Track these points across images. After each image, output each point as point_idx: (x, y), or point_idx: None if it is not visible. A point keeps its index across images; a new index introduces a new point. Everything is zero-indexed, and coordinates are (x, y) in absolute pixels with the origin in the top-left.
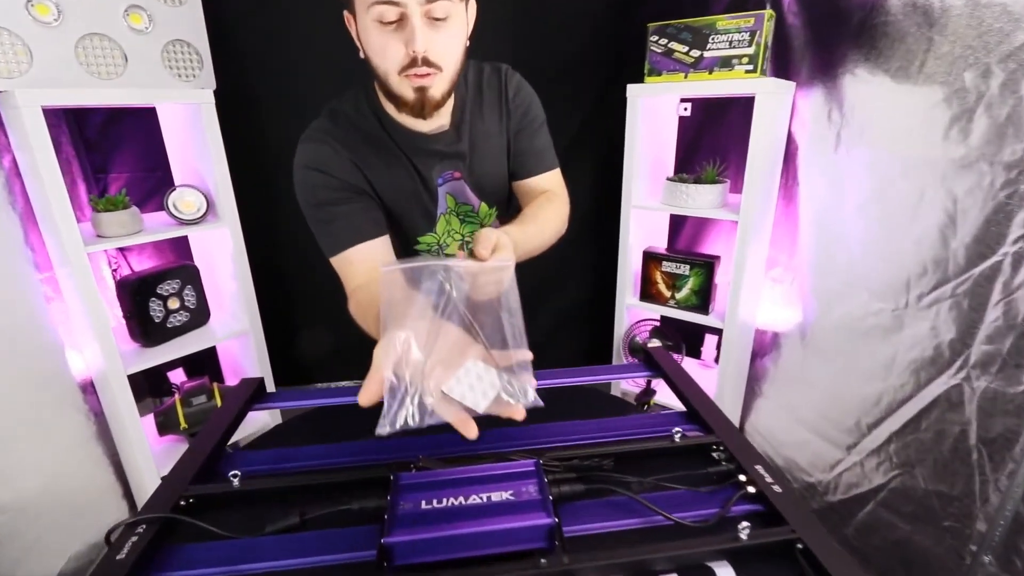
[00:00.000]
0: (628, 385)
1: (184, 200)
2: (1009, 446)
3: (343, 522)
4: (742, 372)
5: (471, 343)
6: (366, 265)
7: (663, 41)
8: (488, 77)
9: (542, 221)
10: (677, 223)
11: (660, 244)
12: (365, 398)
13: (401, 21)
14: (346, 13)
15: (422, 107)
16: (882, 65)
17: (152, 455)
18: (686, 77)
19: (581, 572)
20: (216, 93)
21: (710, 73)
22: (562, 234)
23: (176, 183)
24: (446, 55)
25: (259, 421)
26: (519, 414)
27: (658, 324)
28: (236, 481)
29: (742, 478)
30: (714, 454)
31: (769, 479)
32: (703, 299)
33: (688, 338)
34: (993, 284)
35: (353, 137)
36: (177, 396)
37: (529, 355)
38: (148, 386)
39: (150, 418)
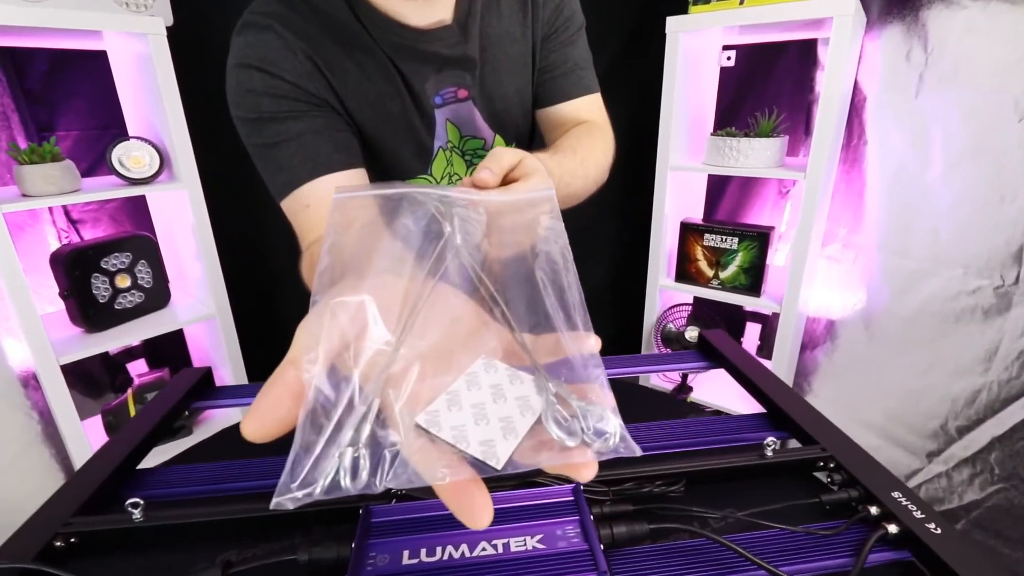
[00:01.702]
0: (658, 380)
1: (133, 155)
2: None
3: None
4: (791, 367)
5: (485, 323)
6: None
7: None
8: None
9: (583, 154)
10: (714, 193)
11: (697, 215)
12: (253, 423)
13: None
14: None
15: None
16: None
17: None
18: (741, 3)
19: None
20: (175, 33)
21: None
22: (603, 183)
23: (132, 135)
24: None
25: (216, 423)
26: (587, 470)
27: (692, 311)
28: (137, 513)
29: (874, 510)
30: (819, 475)
31: (918, 512)
32: (754, 279)
33: (726, 328)
34: None
35: (309, 21)
36: (130, 391)
37: (597, 342)
38: (109, 380)
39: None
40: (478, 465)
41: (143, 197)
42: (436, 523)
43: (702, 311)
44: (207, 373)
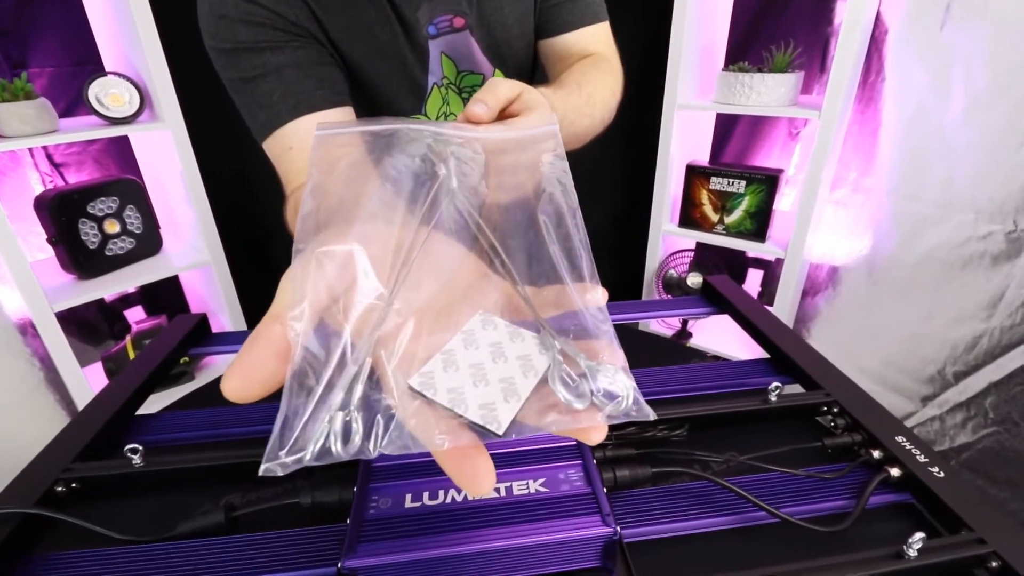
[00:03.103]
0: (658, 326)
1: (111, 92)
2: None
3: (290, 521)
4: (792, 313)
5: (484, 274)
6: (303, 139)
7: None
8: None
9: (589, 89)
10: (721, 134)
11: (703, 158)
12: (235, 383)
13: None
14: None
15: None
16: None
17: None
18: None
19: None
20: None
21: None
22: (609, 122)
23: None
24: None
25: (216, 369)
26: (596, 433)
27: (694, 258)
28: (137, 458)
29: (876, 454)
30: (821, 419)
31: (921, 456)
32: (759, 224)
33: (729, 272)
34: None
35: None
36: (128, 338)
37: (604, 293)
38: (107, 327)
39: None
40: (478, 430)
41: (127, 138)
42: (437, 468)
43: (704, 257)
44: (203, 320)
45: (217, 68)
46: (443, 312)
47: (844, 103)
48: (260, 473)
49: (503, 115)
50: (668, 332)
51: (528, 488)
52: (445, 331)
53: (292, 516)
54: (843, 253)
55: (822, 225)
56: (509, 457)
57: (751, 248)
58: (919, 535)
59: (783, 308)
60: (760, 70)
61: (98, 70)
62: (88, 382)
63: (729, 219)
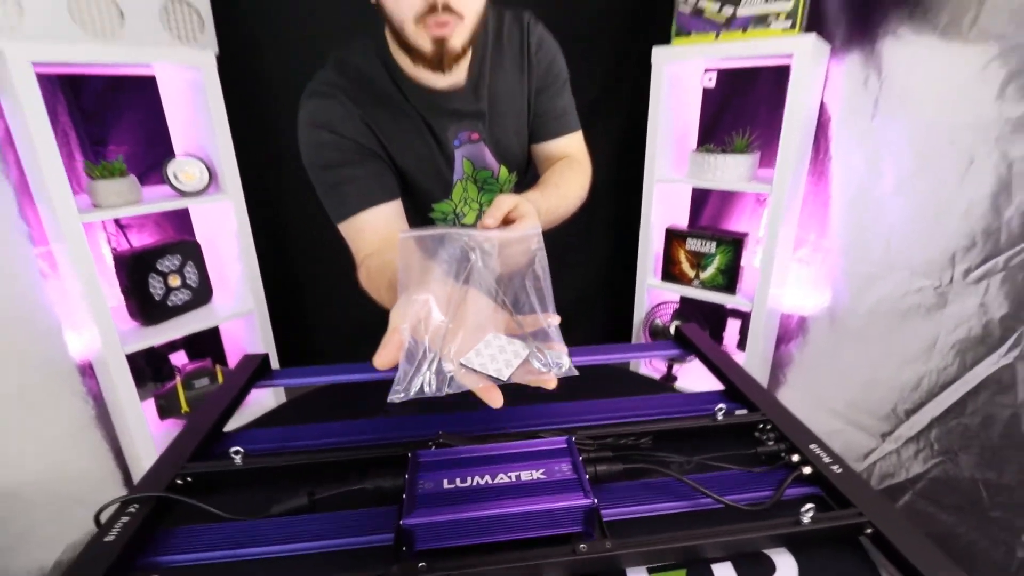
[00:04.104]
0: (647, 370)
1: (185, 170)
2: None
3: (357, 503)
4: (767, 359)
5: (496, 310)
6: (377, 231)
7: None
8: (509, 26)
9: (564, 187)
10: (699, 200)
11: (682, 221)
12: (380, 360)
13: None
14: None
15: (440, 60)
16: (929, 22)
17: (153, 440)
18: (717, 37)
19: (625, 559)
20: (218, 58)
21: (744, 32)
22: (583, 202)
23: (178, 154)
24: (467, 2)
25: (259, 404)
26: (550, 383)
27: (678, 308)
28: (238, 459)
29: (795, 458)
30: (760, 435)
31: (827, 458)
32: (730, 279)
33: (710, 323)
34: None
35: (363, 91)
36: (178, 378)
37: (557, 318)
38: (150, 370)
39: (152, 402)
40: (493, 379)
41: None
42: (466, 462)
43: (687, 308)
44: (265, 358)
45: (311, 176)
46: (475, 330)
47: (793, 179)
48: (388, 400)
49: (507, 220)
50: (657, 375)
51: (532, 475)
52: (476, 339)
53: (360, 500)
54: (809, 305)
55: (789, 280)
56: (518, 456)
57: (723, 300)
58: (809, 505)
59: (755, 353)
60: (724, 151)
61: (167, 149)
62: (145, 415)
63: (704, 275)
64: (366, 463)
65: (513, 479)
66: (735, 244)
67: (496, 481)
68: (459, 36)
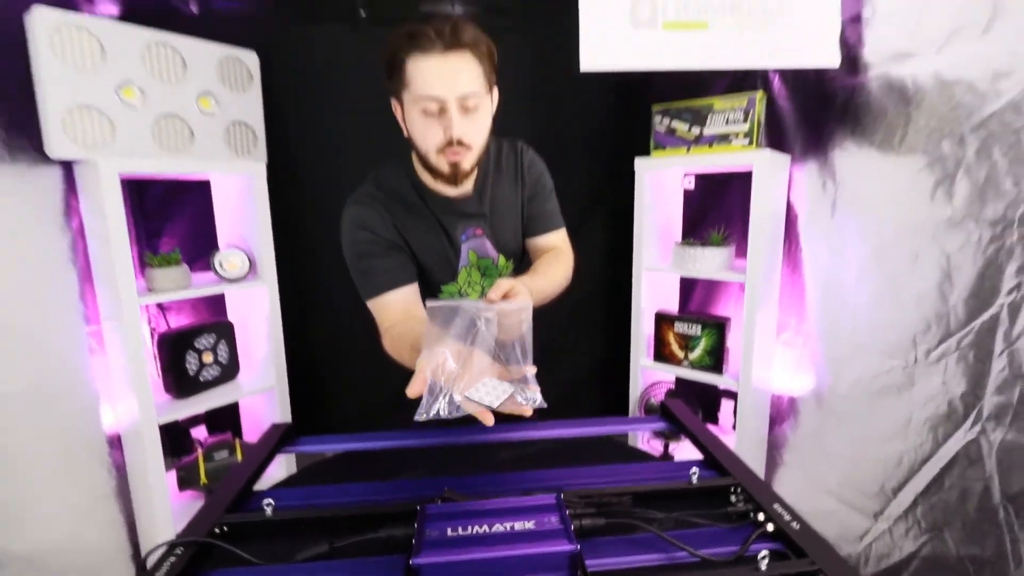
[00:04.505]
0: (646, 448)
1: (230, 260)
2: None
3: (372, 551)
4: (761, 439)
5: (492, 364)
6: (399, 307)
7: (666, 120)
8: (506, 152)
9: (551, 273)
10: (688, 287)
11: (672, 306)
12: (412, 390)
13: (442, 112)
14: (393, 100)
15: (455, 177)
16: (867, 139)
17: (172, 511)
18: (688, 151)
19: None
20: (266, 166)
21: (710, 147)
22: (568, 282)
23: (220, 246)
24: (475, 136)
25: (275, 473)
26: (527, 412)
27: (672, 388)
28: (269, 511)
29: (760, 517)
30: (732, 497)
31: (787, 517)
32: (716, 359)
33: (705, 403)
34: (994, 335)
35: (393, 201)
36: (200, 451)
37: (534, 369)
38: (169, 444)
39: (171, 474)
40: (487, 407)
41: None
42: (468, 514)
43: (682, 389)
44: (290, 427)
45: (349, 264)
46: (477, 374)
47: (765, 269)
48: (415, 419)
49: (505, 296)
50: (656, 452)
51: (524, 526)
52: (477, 380)
53: (373, 547)
54: (797, 386)
55: (776, 362)
56: (513, 510)
57: (711, 380)
58: (764, 552)
59: (745, 431)
60: (703, 244)
61: (211, 241)
62: (167, 484)
63: (692, 356)
64: (380, 516)
65: (507, 529)
66: (718, 327)
67: (493, 531)
68: (468, 160)
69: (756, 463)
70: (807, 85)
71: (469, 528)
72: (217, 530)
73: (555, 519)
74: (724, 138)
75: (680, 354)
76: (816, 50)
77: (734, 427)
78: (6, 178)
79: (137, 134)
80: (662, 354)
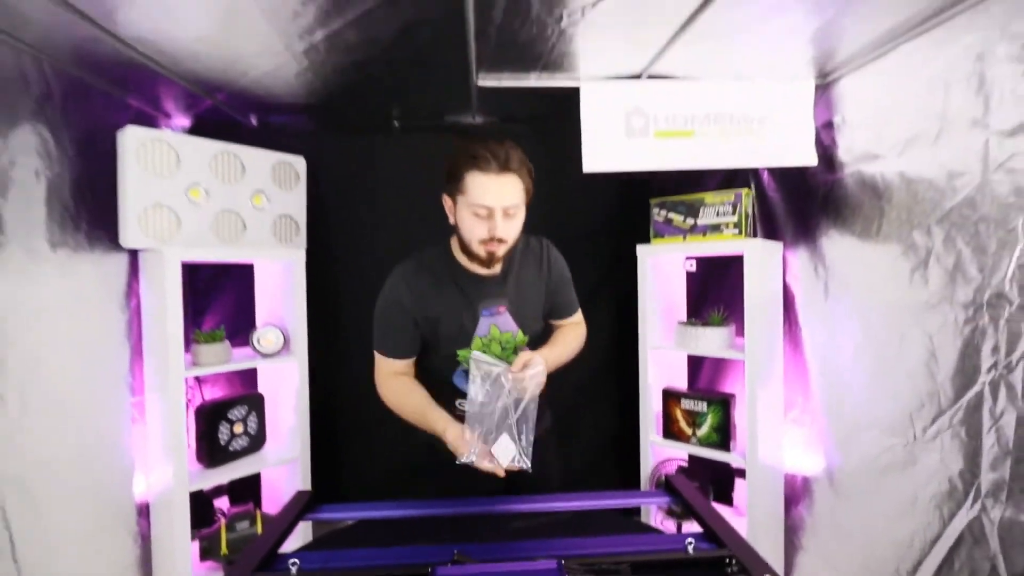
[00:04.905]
0: (659, 525)
1: (267, 337)
2: None
3: None
4: (776, 520)
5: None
6: (394, 368)
7: (663, 212)
8: (532, 245)
9: (566, 343)
10: (696, 364)
11: (681, 383)
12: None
13: (489, 215)
14: (445, 197)
15: (489, 262)
16: (848, 228)
17: None
18: (684, 239)
19: None
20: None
21: (704, 236)
22: (580, 347)
23: (258, 323)
24: (511, 234)
25: (292, 541)
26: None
27: (685, 464)
28: (294, 570)
29: None
30: (727, 569)
31: None
32: (723, 436)
33: (718, 482)
34: (981, 412)
35: (426, 280)
36: (223, 520)
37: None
38: (193, 514)
39: (193, 544)
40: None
41: None
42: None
43: (694, 466)
44: (312, 494)
45: (375, 317)
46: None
47: (765, 348)
48: (459, 461)
49: (524, 366)
50: (669, 530)
51: None
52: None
53: None
54: (809, 466)
55: (787, 441)
56: (517, 574)
57: (719, 456)
58: None
59: (757, 511)
60: (705, 324)
61: (249, 318)
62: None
63: (700, 432)
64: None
65: None
66: (723, 403)
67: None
68: (502, 250)
69: (772, 546)
70: (793, 180)
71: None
72: None
73: None
74: (716, 228)
75: (688, 431)
76: (794, 151)
77: (749, 506)
78: (84, 264)
79: (199, 227)
80: (671, 431)
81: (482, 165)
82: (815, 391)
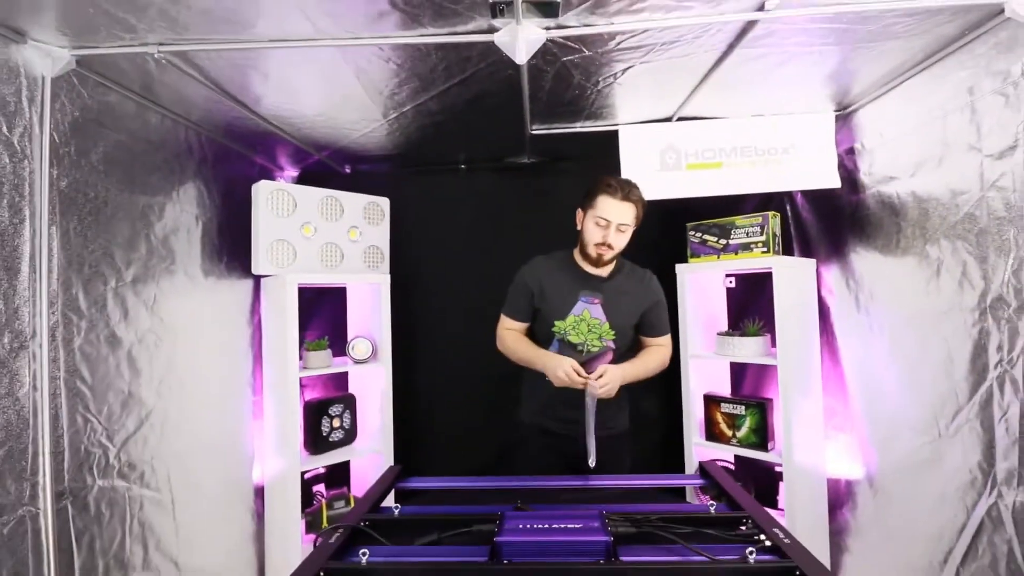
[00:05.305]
0: None
1: (359, 347)
2: None
3: (467, 540)
4: (820, 522)
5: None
6: (511, 326)
7: (699, 234)
8: (639, 272)
9: (647, 363)
10: (739, 373)
11: (724, 390)
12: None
13: (606, 226)
14: (579, 210)
15: (598, 262)
16: (872, 244)
17: (300, 550)
18: (718, 257)
19: (628, 574)
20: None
21: (736, 254)
22: (662, 368)
23: (350, 335)
24: (619, 244)
25: None
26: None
27: (731, 466)
28: (396, 513)
29: (762, 536)
30: (742, 527)
31: (782, 535)
32: (761, 437)
33: (763, 486)
34: (992, 406)
35: (549, 267)
36: (323, 501)
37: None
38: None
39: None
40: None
41: None
42: (534, 517)
43: (740, 470)
44: (403, 468)
45: (508, 295)
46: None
47: (800, 354)
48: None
49: (600, 375)
50: None
51: (573, 526)
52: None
53: (467, 539)
54: (851, 470)
55: (830, 447)
56: (567, 516)
57: (758, 456)
58: (751, 548)
59: (796, 510)
60: (742, 334)
61: (342, 331)
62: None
63: (739, 434)
64: (474, 519)
65: (563, 527)
66: (760, 407)
67: (552, 527)
68: (609, 255)
69: (817, 548)
70: (823, 202)
71: (534, 525)
72: (363, 523)
73: (596, 524)
74: (746, 247)
75: (728, 432)
76: (818, 175)
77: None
78: (224, 288)
79: (309, 257)
80: (712, 433)
81: (610, 192)
82: (853, 398)
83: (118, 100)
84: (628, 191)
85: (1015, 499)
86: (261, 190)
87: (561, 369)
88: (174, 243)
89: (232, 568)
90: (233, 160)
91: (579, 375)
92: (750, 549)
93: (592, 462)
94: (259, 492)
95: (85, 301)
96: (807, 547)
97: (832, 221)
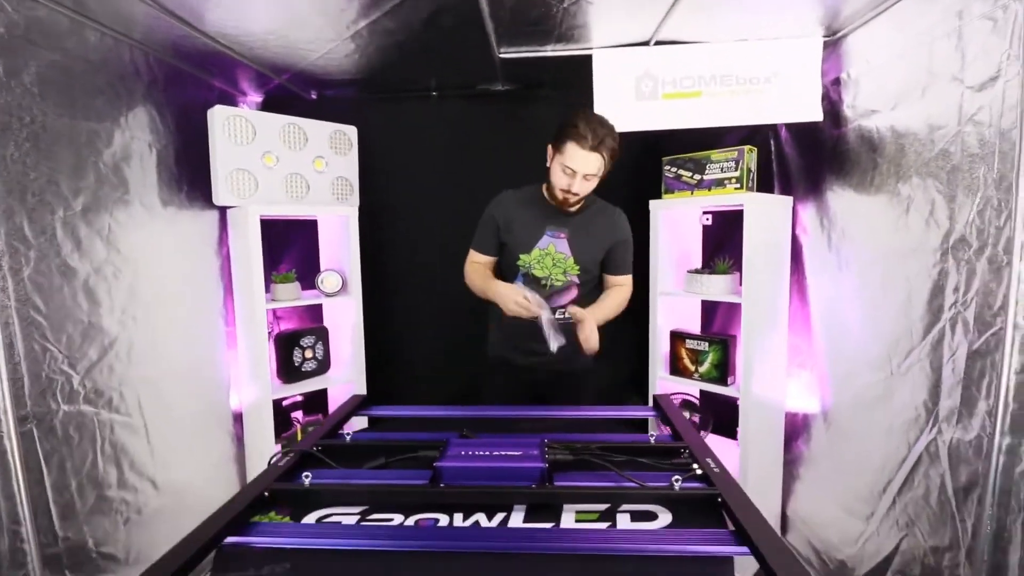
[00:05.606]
0: None
1: (328, 280)
2: (970, 491)
3: (413, 465)
4: (775, 453)
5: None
6: (479, 259)
7: (673, 169)
8: (608, 209)
9: (611, 304)
10: (709, 311)
11: (693, 327)
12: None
13: (572, 175)
14: (550, 147)
15: (564, 205)
16: (848, 182)
17: None
18: (692, 193)
19: (562, 496)
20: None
21: (709, 190)
22: (623, 308)
23: (322, 268)
24: (584, 191)
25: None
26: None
27: (690, 398)
28: (348, 439)
29: (695, 466)
30: (681, 455)
31: (713, 465)
32: (722, 372)
33: (726, 419)
34: (942, 347)
35: (517, 200)
36: (299, 427)
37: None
38: (275, 422)
39: (276, 446)
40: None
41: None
42: (477, 444)
43: (703, 404)
44: (366, 396)
45: (476, 230)
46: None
47: (767, 293)
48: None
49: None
50: None
51: (515, 453)
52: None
53: (414, 463)
54: (809, 405)
55: (791, 383)
56: (507, 444)
57: (717, 389)
58: (677, 476)
59: (750, 441)
60: (711, 272)
61: (314, 265)
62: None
63: (701, 369)
64: (420, 445)
65: (503, 454)
66: (723, 343)
67: (492, 454)
68: (574, 199)
69: (771, 475)
70: (806, 137)
71: (476, 451)
72: (316, 448)
73: (535, 452)
74: (720, 183)
75: (691, 367)
76: (799, 108)
77: None
78: (186, 218)
79: (272, 188)
80: (676, 368)
81: (579, 140)
82: (818, 336)
83: (47, 15)
84: (599, 140)
85: (952, 436)
86: (216, 116)
87: (512, 299)
88: (126, 171)
89: (213, 487)
90: (188, 84)
91: (528, 300)
92: (676, 476)
93: (554, 347)
94: (239, 418)
95: (31, 231)
96: (750, 474)
97: (812, 157)
